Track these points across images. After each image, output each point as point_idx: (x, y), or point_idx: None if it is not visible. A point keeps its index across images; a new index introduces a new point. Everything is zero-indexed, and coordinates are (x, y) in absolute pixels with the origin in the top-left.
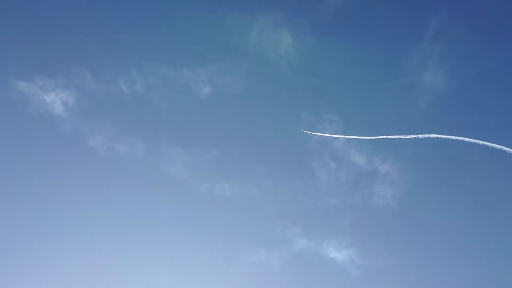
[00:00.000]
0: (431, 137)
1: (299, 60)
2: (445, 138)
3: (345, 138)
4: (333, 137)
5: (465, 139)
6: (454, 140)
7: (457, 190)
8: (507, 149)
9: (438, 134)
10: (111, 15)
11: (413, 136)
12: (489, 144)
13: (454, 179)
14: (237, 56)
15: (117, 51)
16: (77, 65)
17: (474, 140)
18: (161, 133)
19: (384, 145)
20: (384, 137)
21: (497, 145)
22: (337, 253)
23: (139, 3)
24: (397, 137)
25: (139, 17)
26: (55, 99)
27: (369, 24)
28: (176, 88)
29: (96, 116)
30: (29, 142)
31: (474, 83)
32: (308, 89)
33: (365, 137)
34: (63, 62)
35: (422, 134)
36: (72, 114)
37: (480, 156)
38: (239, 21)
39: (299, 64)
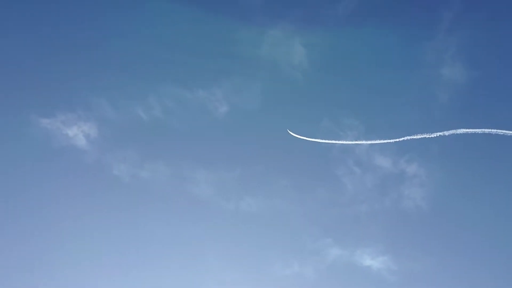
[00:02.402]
0: (457, 133)
1: (313, 69)
2: (472, 132)
3: (368, 144)
4: (356, 143)
5: (493, 131)
6: (481, 133)
7: (492, 184)
8: None
9: (463, 128)
10: (122, 44)
11: (438, 134)
12: None
13: (486, 173)
14: (250, 72)
15: (132, 78)
16: (95, 96)
17: (503, 131)
18: (182, 156)
19: (409, 145)
20: (408, 138)
21: None
22: (372, 260)
23: (150, 28)
24: (421, 136)
25: (151, 42)
26: (77, 132)
27: (381, 25)
28: (193, 109)
29: (118, 145)
30: (55, 176)
31: (495, 71)
32: (325, 96)
33: (388, 140)
34: (82, 95)
35: (446, 130)
36: (94, 145)
37: None
38: (249, 36)
39: (313, 73)
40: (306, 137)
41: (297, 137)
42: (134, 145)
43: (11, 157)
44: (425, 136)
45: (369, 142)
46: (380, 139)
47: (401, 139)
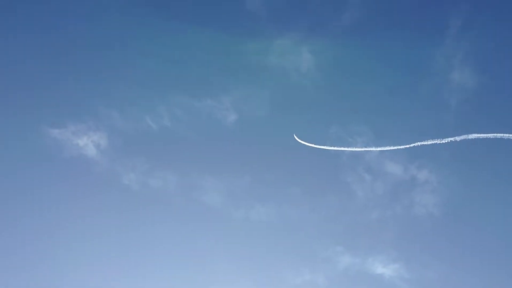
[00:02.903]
0: (469, 138)
1: (321, 76)
2: (484, 137)
3: (378, 150)
4: (366, 150)
5: (505, 135)
6: (493, 138)
7: (505, 190)
8: None
9: (474, 133)
10: (132, 54)
11: (449, 139)
12: None
13: (499, 178)
14: (259, 80)
15: (141, 88)
16: (105, 107)
17: None
18: (191, 164)
19: (420, 151)
20: (419, 143)
21: None
22: (384, 268)
23: (155, 39)
24: (432, 142)
25: (159, 52)
26: (88, 142)
27: (388, 32)
28: (202, 118)
29: (127, 154)
30: (65, 186)
31: (505, 75)
32: (333, 103)
33: (399, 147)
34: (92, 106)
35: (457, 135)
36: (104, 155)
37: None
38: (257, 46)
39: (321, 80)
40: (315, 144)
41: (304, 144)
42: (143, 154)
43: (22, 167)
44: (436, 141)
45: (378, 149)
46: (390, 145)
47: (411, 145)
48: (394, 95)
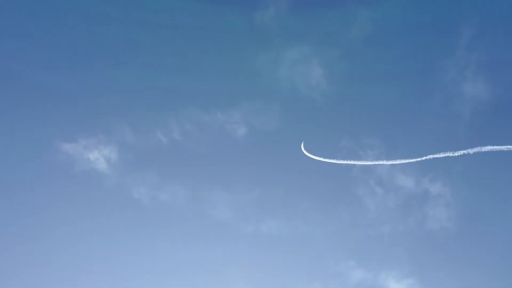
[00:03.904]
0: (482, 151)
1: (331, 89)
2: (498, 150)
3: (389, 164)
4: (376, 164)
5: None
6: (507, 150)
7: None
8: None
9: (487, 145)
10: (141, 69)
11: (462, 152)
12: None
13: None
14: (269, 94)
15: (152, 102)
16: (116, 121)
17: None
18: (201, 178)
19: (432, 164)
20: (431, 156)
21: None
22: (397, 283)
23: (166, 54)
24: (445, 155)
25: (168, 67)
26: (98, 156)
27: (399, 44)
28: (212, 132)
29: (138, 168)
30: (76, 200)
31: None
32: (344, 116)
33: (410, 160)
34: (103, 120)
35: (470, 147)
36: (115, 169)
37: None
38: (267, 60)
39: (332, 93)
40: (324, 157)
41: (312, 157)
42: (153, 168)
43: (35, 181)
44: (448, 154)
45: (389, 162)
46: (401, 158)
47: (423, 158)
48: (405, 107)
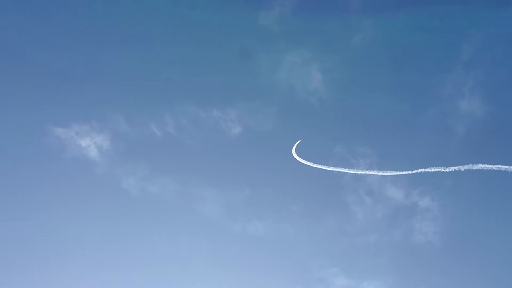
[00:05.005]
0: (473, 169)
1: (329, 95)
2: (488, 169)
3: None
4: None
5: (511, 168)
6: (497, 170)
7: (508, 223)
8: None
9: (479, 163)
10: (142, 61)
11: (454, 168)
12: None
13: (501, 211)
14: (266, 95)
15: (148, 94)
16: (111, 110)
17: None
18: (192, 173)
19: (423, 178)
20: (423, 170)
21: None
22: None
23: (167, 47)
24: (436, 170)
25: (168, 60)
26: (90, 143)
27: (399, 55)
28: (206, 129)
29: (129, 159)
30: (64, 185)
31: None
32: (339, 123)
33: (401, 172)
34: (98, 107)
35: (462, 164)
36: (106, 157)
37: None
38: (267, 60)
39: (329, 99)
40: (314, 162)
41: (302, 162)
42: (145, 160)
43: (24, 163)
44: (440, 169)
45: (380, 173)
46: (393, 170)
47: (414, 171)
48: (401, 119)
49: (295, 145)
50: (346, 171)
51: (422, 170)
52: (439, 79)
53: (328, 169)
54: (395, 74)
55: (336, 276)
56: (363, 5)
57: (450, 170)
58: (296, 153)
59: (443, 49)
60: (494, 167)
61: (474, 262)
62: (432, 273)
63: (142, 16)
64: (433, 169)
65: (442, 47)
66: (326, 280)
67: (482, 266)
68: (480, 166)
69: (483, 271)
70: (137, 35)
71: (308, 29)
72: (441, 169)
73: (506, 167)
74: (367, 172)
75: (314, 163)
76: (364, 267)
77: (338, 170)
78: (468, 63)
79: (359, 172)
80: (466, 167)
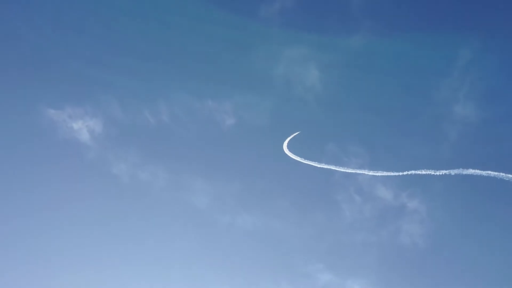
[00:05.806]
0: (463, 173)
1: (325, 93)
2: (478, 174)
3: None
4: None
5: (500, 174)
6: (487, 176)
7: (492, 230)
8: None
9: (470, 168)
10: (139, 48)
11: (444, 172)
12: None
13: (487, 217)
14: (262, 88)
15: (144, 81)
16: (105, 94)
17: (509, 176)
18: (184, 163)
19: (413, 180)
20: (413, 172)
21: None
22: None
23: (166, 36)
24: (426, 172)
25: (166, 49)
26: (82, 127)
27: (396, 56)
28: (200, 119)
29: (121, 144)
30: (55, 167)
31: (508, 114)
32: (333, 121)
33: (392, 173)
34: (92, 91)
35: (452, 168)
36: (97, 142)
37: None
38: (265, 54)
39: (325, 97)
40: (305, 158)
41: (292, 157)
42: (137, 147)
43: (14, 143)
44: (430, 172)
45: (371, 173)
46: (384, 170)
47: (405, 173)
48: (394, 121)
49: (287, 139)
50: (337, 169)
51: (413, 172)
52: (435, 83)
53: (319, 166)
54: (392, 76)
55: (321, 272)
56: (363, 5)
57: (441, 173)
58: (288, 148)
59: (441, 54)
60: (484, 173)
61: (457, 264)
62: (416, 274)
63: (141, 4)
64: (423, 172)
65: (440, 51)
66: (311, 276)
67: (465, 269)
68: (470, 171)
69: (465, 274)
70: (135, 24)
71: (308, 25)
72: (432, 172)
73: (496, 173)
74: (358, 171)
75: (306, 159)
76: (349, 264)
77: (329, 167)
78: (465, 68)
79: (350, 170)
80: (456, 171)
